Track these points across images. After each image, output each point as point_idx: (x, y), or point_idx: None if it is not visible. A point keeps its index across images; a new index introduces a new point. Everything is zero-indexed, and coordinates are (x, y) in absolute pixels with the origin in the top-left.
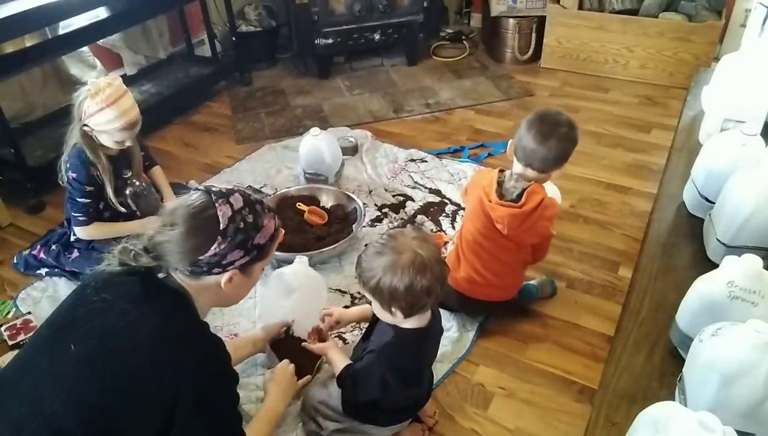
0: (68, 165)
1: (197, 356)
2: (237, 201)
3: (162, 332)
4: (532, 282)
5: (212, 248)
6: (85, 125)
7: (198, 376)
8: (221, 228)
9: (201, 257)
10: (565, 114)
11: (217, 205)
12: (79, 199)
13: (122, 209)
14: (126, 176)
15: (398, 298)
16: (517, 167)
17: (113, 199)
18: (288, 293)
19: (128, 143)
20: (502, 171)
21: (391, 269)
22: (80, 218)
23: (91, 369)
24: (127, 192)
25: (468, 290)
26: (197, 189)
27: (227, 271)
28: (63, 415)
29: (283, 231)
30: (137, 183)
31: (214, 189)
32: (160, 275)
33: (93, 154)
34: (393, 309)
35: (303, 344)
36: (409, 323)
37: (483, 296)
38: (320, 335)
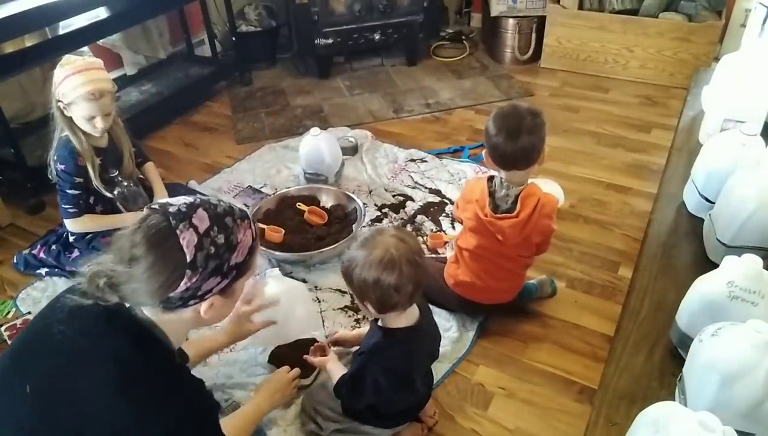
0: (56, 157)
1: (167, 412)
2: (202, 221)
3: (125, 381)
4: (531, 281)
5: (182, 284)
6: (59, 101)
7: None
8: (188, 260)
9: (171, 295)
10: (522, 104)
11: (177, 231)
12: (68, 191)
13: (109, 195)
14: (113, 175)
15: (367, 291)
16: (503, 172)
17: (98, 184)
18: (286, 310)
19: (99, 124)
20: (490, 179)
21: (363, 262)
22: (70, 210)
23: (49, 417)
24: (115, 193)
25: (468, 294)
26: (152, 208)
27: (206, 299)
28: None
29: (283, 231)
30: (125, 183)
31: (171, 209)
32: (128, 305)
33: (74, 136)
34: (365, 303)
35: (305, 357)
36: (397, 322)
37: (483, 299)
38: (322, 351)
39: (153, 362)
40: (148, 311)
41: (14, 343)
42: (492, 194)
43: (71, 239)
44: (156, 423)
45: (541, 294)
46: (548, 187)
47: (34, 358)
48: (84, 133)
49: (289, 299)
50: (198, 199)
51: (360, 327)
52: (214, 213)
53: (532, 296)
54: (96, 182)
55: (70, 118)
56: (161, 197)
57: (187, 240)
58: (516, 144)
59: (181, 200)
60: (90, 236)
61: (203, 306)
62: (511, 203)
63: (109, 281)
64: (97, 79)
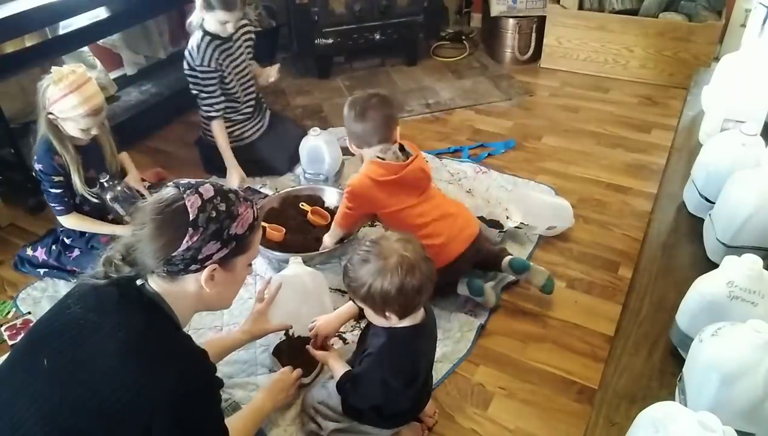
0: (35, 157)
1: (172, 374)
2: (207, 191)
3: (132, 347)
4: (527, 261)
5: (184, 242)
6: (50, 113)
7: (173, 396)
8: (191, 219)
9: (174, 254)
10: (373, 91)
11: (185, 196)
12: (51, 190)
13: (94, 200)
14: (103, 180)
15: (391, 301)
16: (369, 152)
17: (81, 189)
18: (303, 297)
19: (94, 132)
20: (373, 161)
21: (379, 274)
22: (57, 208)
23: (63, 387)
24: (108, 197)
25: (452, 252)
26: (167, 185)
27: (205, 266)
28: (37, 433)
29: (284, 230)
30: (119, 188)
31: (182, 182)
32: (139, 282)
33: (59, 144)
34: (387, 313)
35: (307, 346)
36: (403, 322)
37: (459, 248)
38: (322, 343)
39: (159, 328)
40: (155, 284)
41: (33, 326)
42: (383, 160)
43: (68, 240)
44: (163, 383)
45: (531, 279)
46: (557, 202)
47: (51, 335)
48: (69, 137)
49: (317, 288)
50: (207, 180)
51: (358, 325)
52: (219, 188)
53: (520, 269)
54: (79, 187)
55: (57, 126)
56: (134, 179)
57: (192, 202)
58: (362, 122)
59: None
60: (88, 235)
61: (204, 275)
62: (402, 154)
63: (123, 253)
64: (95, 94)
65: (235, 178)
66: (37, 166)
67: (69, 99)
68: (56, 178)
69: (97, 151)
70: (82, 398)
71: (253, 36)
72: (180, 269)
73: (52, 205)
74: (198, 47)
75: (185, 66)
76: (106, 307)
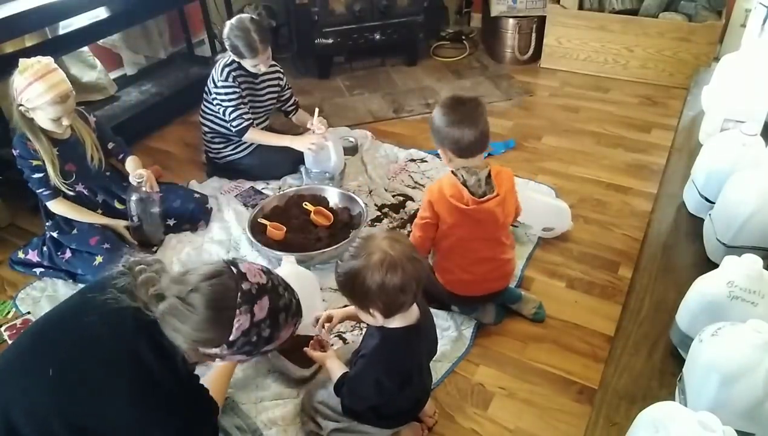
0: (13, 145)
1: (168, 421)
2: (261, 310)
3: (134, 383)
4: (518, 290)
5: (215, 349)
6: (20, 105)
7: None
8: (230, 339)
9: (201, 349)
10: (462, 94)
11: (238, 311)
12: (32, 176)
13: (69, 192)
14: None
15: (373, 298)
16: (461, 163)
17: (55, 180)
18: None
19: (65, 122)
20: (453, 174)
21: (363, 269)
22: (44, 193)
23: (62, 400)
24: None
25: (460, 290)
26: (232, 268)
27: (224, 361)
28: None
29: (285, 229)
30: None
31: (244, 287)
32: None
33: (33, 136)
34: (372, 311)
35: (305, 349)
36: (396, 323)
37: (477, 291)
38: (321, 344)
39: (166, 369)
40: None
41: (44, 323)
42: (464, 184)
43: (55, 234)
44: (158, 429)
45: (521, 310)
46: (557, 205)
47: (61, 341)
48: (43, 131)
49: (307, 288)
50: (270, 284)
51: (358, 325)
52: (275, 306)
53: (511, 300)
54: (53, 178)
55: (31, 119)
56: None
57: (240, 323)
58: (476, 130)
59: (257, 278)
60: (76, 233)
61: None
62: (486, 186)
63: (161, 308)
64: (60, 82)
65: (304, 141)
66: (15, 152)
67: (34, 87)
68: (34, 163)
69: (79, 145)
70: (76, 416)
71: (281, 83)
72: (202, 354)
73: (38, 191)
74: (223, 67)
75: (210, 86)
76: (122, 329)
